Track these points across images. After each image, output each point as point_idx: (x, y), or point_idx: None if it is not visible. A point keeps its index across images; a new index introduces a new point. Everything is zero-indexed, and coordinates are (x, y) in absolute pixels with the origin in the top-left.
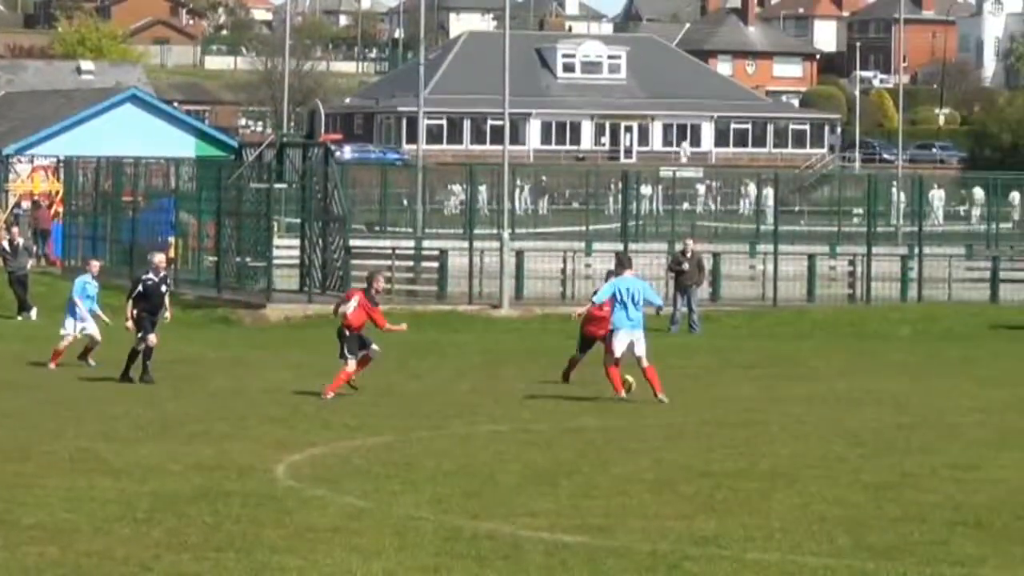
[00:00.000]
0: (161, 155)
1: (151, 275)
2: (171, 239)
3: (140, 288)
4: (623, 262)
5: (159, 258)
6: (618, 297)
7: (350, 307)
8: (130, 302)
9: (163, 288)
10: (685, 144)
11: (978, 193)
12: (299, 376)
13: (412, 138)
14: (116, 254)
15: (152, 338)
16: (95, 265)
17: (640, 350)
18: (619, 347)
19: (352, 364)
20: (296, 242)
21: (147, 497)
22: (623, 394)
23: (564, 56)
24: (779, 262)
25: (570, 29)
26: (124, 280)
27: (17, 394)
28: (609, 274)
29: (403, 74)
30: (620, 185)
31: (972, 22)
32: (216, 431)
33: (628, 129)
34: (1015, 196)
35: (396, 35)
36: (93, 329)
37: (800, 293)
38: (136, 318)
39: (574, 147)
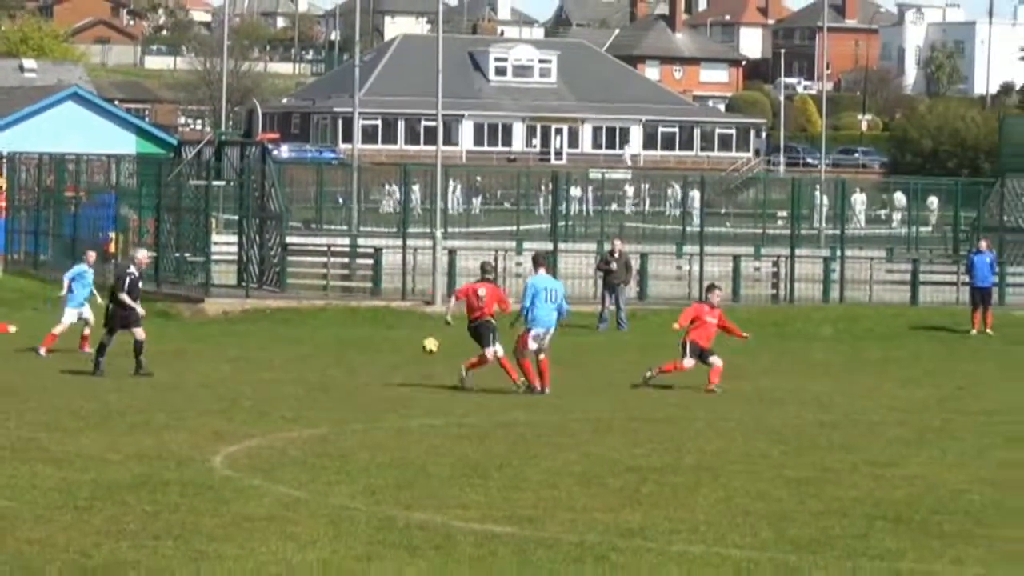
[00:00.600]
0: (102, 152)
1: (133, 270)
2: (112, 234)
3: (127, 281)
4: (538, 260)
5: (143, 253)
6: (539, 295)
7: (483, 297)
8: (124, 295)
9: (140, 284)
10: (627, 147)
11: (899, 197)
12: (237, 369)
13: (348, 138)
14: (58, 248)
15: (141, 332)
16: (91, 255)
17: (544, 343)
18: (534, 343)
19: (500, 349)
20: (234, 238)
21: (88, 486)
22: (538, 386)
23: (496, 60)
24: (705, 263)
25: (502, 33)
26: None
27: None
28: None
29: (339, 75)
30: (550, 186)
31: (894, 31)
32: (156, 422)
33: (558, 131)
34: (933, 200)
35: (332, 37)
36: (89, 313)
37: (725, 293)
38: (111, 314)
39: (506, 148)
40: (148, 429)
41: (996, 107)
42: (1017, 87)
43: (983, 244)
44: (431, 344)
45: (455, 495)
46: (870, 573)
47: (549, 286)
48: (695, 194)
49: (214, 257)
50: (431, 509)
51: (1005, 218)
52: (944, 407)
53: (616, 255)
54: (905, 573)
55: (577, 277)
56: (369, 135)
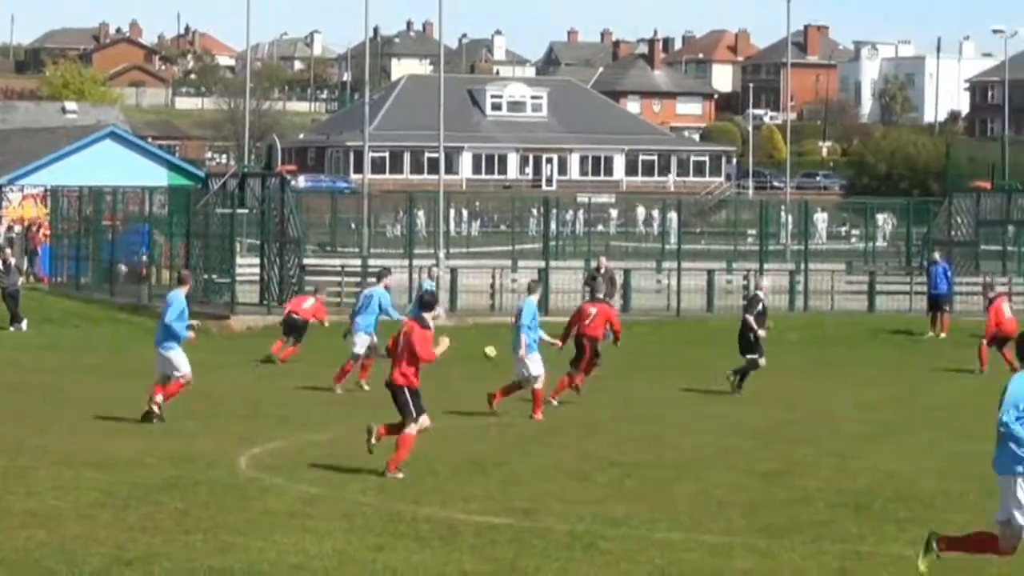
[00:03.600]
0: (137, 184)
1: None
2: (145, 258)
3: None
4: (379, 275)
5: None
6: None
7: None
8: None
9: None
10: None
11: (880, 217)
12: (260, 379)
13: (358, 169)
14: (97, 272)
15: None
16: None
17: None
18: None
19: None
20: (256, 261)
21: (125, 486)
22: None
23: (492, 96)
24: (682, 277)
25: (497, 72)
26: (104, 295)
27: (11, 395)
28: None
29: (350, 112)
30: (542, 210)
31: (851, 66)
32: (187, 428)
33: (549, 161)
34: (880, 217)
35: (344, 78)
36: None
37: (701, 304)
38: None
39: (501, 176)
40: (180, 434)
41: (944, 133)
42: (962, 115)
43: (937, 255)
44: (491, 351)
45: (458, 490)
46: (833, 555)
47: (374, 295)
48: (673, 215)
49: (239, 278)
50: (436, 503)
51: (952, 233)
52: (900, 404)
53: (602, 271)
54: (865, 555)
55: (567, 291)
56: (378, 166)
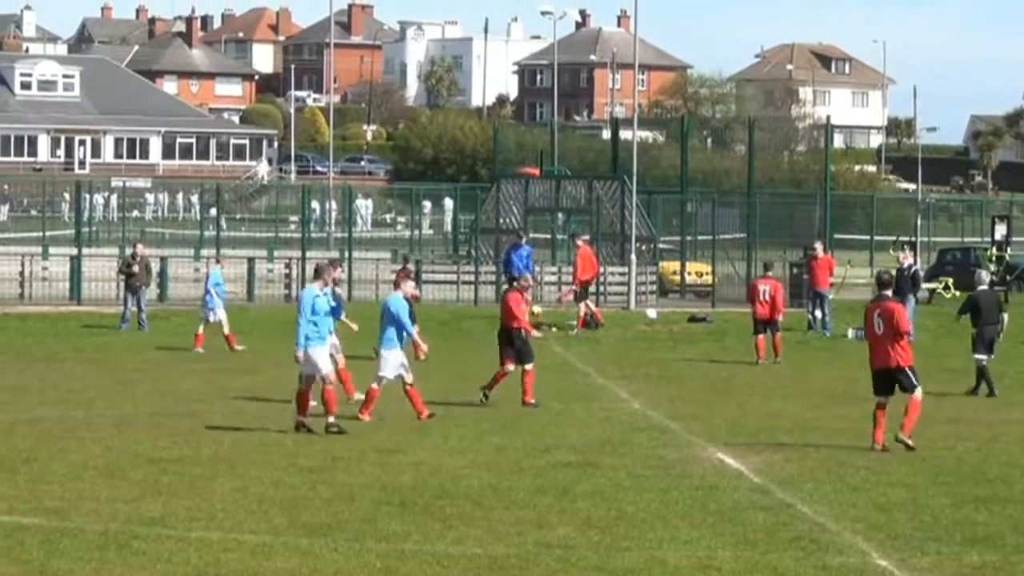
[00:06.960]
0: None
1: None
2: None
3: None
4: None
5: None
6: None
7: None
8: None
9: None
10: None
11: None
12: None
13: None
14: None
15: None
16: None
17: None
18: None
19: None
20: None
21: None
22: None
23: (22, 75)
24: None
25: (27, 50)
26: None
27: None
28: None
29: None
30: (73, 194)
31: (396, 47)
32: None
33: (82, 143)
34: (427, 204)
35: None
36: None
37: (241, 293)
38: None
39: (32, 159)
40: None
41: (492, 117)
42: (511, 99)
43: (523, 239)
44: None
45: None
46: (377, 554)
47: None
48: (212, 201)
49: None
50: None
51: (501, 220)
52: (449, 396)
53: (137, 259)
54: (409, 553)
55: (101, 280)
56: None
